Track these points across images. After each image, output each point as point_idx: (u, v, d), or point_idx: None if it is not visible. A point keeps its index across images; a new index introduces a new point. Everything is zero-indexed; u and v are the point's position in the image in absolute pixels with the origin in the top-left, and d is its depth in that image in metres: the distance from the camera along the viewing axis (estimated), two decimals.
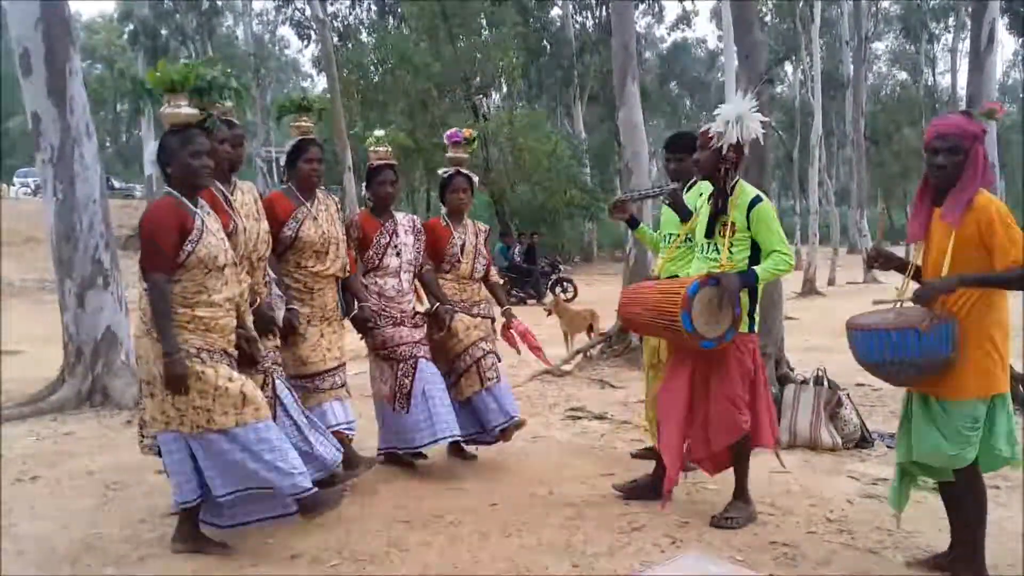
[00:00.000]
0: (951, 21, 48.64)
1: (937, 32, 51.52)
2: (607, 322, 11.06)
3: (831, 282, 24.42)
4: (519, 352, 6.27)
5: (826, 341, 10.74)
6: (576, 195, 31.09)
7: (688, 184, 5.46)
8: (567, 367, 9.88)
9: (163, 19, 40.27)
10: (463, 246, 5.87)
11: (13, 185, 41.67)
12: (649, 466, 5.29)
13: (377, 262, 5.52)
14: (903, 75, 57.59)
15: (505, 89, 37.96)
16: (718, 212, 4.56)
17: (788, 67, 49.43)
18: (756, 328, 4.64)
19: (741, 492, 4.70)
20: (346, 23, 39.38)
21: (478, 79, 30.32)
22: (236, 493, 4.06)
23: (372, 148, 5.65)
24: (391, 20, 36.69)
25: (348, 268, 5.30)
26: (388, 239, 5.54)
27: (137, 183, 44.99)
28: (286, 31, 47.28)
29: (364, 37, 35.58)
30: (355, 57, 29.72)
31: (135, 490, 5.26)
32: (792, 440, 6.19)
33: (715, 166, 4.52)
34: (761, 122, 4.57)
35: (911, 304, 3.69)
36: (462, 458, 6.00)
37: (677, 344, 4.72)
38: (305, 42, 41.45)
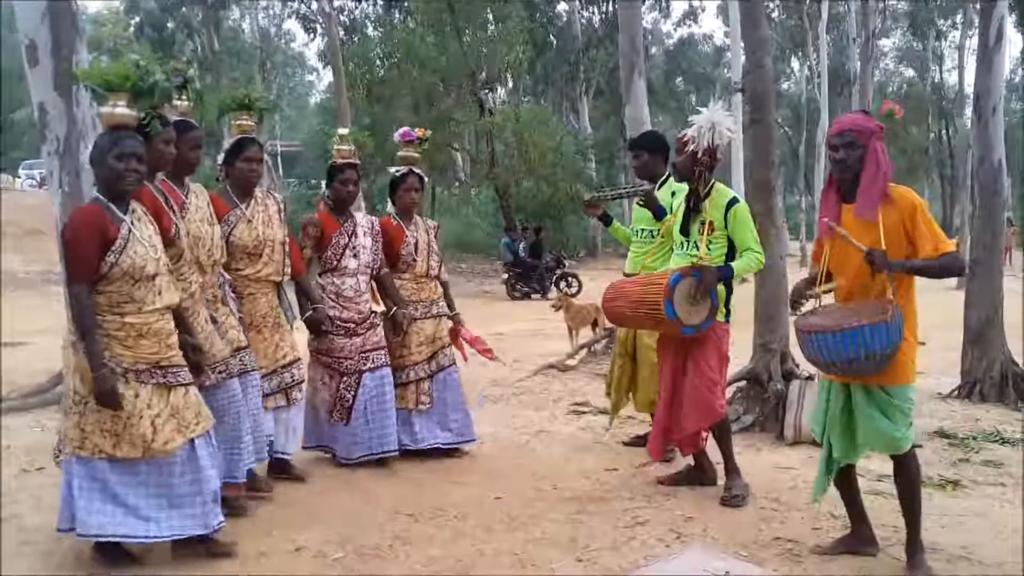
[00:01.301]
0: (959, 18, 48.30)
1: (945, 29, 51.25)
2: None
3: None
4: (466, 359, 6.18)
5: None
6: (581, 190, 31.03)
7: (660, 182, 5.84)
8: (571, 362, 9.88)
9: (169, 12, 40.28)
10: (416, 244, 5.81)
11: (19, 177, 41.72)
12: (641, 452, 5.71)
13: (335, 263, 5.45)
14: (910, 72, 57.32)
15: (511, 84, 37.90)
16: (691, 211, 4.97)
17: (795, 63, 49.38)
18: (731, 318, 5.05)
19: (732, 468, 5.05)
20: (352, 17, 39.30)
21: (484, 74, 30.21)
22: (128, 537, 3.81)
23: (336, 147, 5.57)
24: (397, 14, 36.59)
25: (289, 270, 5.14)
26: (347, 240, 5.47)
27: None
28: (292, 24, 47.14)
29: (370, 31, 35.54)
30: (361, 51, 29.63)
31: None
32: (796, 436, 6.19)
33: (691, 168, 4.91)
34: (730, 128, 4.93)
35: (831, 301, 4.02)
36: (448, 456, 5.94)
37: (661, 333, 5.16)
38: (311, 35, 41.30)
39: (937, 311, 15.05)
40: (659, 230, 5.60)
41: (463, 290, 22.46)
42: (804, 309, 4.07)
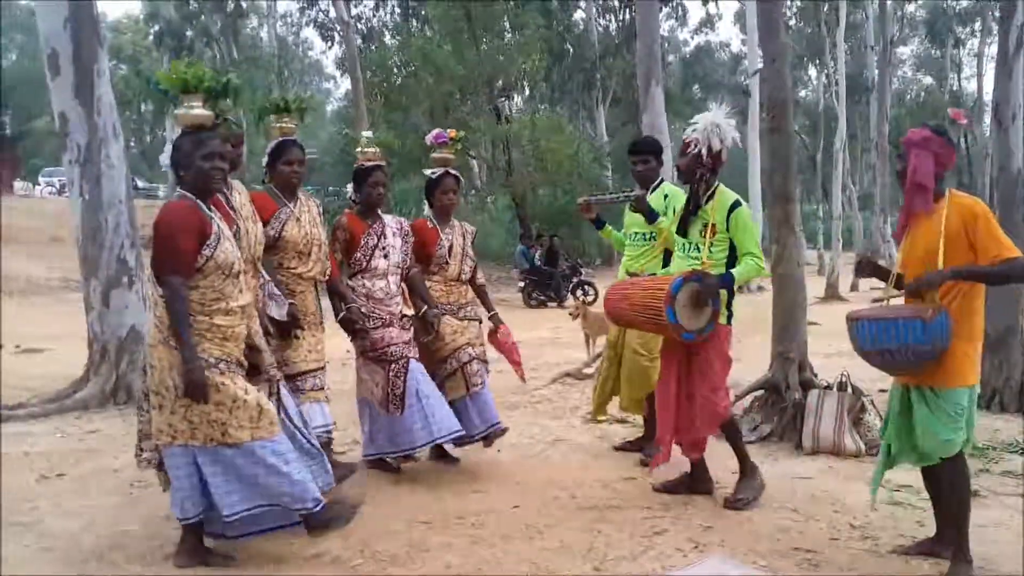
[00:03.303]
0: (977, 26, 48.26)
1: (963, 37, 51.12)
2: None
3: (853, 287, 24.27)
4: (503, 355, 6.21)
5: (849, 346, 10.65)
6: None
7: (652, 187, 5.91)
8: (588, 370, 9.85)
9: (189, 20, 40.54)
10: (451, 248, 5.83)
11: (38, 185, 42.06)
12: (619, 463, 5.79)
13: (365, 264, 5.43)
14: (928, 80, 57.20)
15: (528, 92, 37.98)
16: (691, 213, 5.01)
17: (812, 71, 49.23)
18: (732, 320, 5.05)
19: (745, 468, 5.07)
20: (370, 25, 39.53)
21: (501, 82, 30.32)
22: (249, 511, 3.94)
23: (362, 149, 5.60)
24: (415, 22, 36.79)
25: (329, 271, 5.23)
26: (376, 241, 5.46)
27: (161, 183, 45.32)
28: (310, 33, 47.54)
29: (388, 39, 35.69)
30: (378, 59, 29.77)
31: (159, 488, 5.26)
32: (815, 445, 6.17)
33: (694, 170, 4.97)
34: (733, 132, 5.02)
35: (900, 302, 4.09)
36: (444, 462, 5.91)
37: (663, 337, 5.17)
38: (329, 44, 41.68)
39: None
40: (652, 233, 5.72)
41: None
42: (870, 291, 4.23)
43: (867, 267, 4.30)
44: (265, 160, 5.18)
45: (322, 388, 5.20)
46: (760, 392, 6.94)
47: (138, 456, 4.23)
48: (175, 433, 3.84)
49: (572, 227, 30.48)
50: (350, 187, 5.67)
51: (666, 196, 5.78)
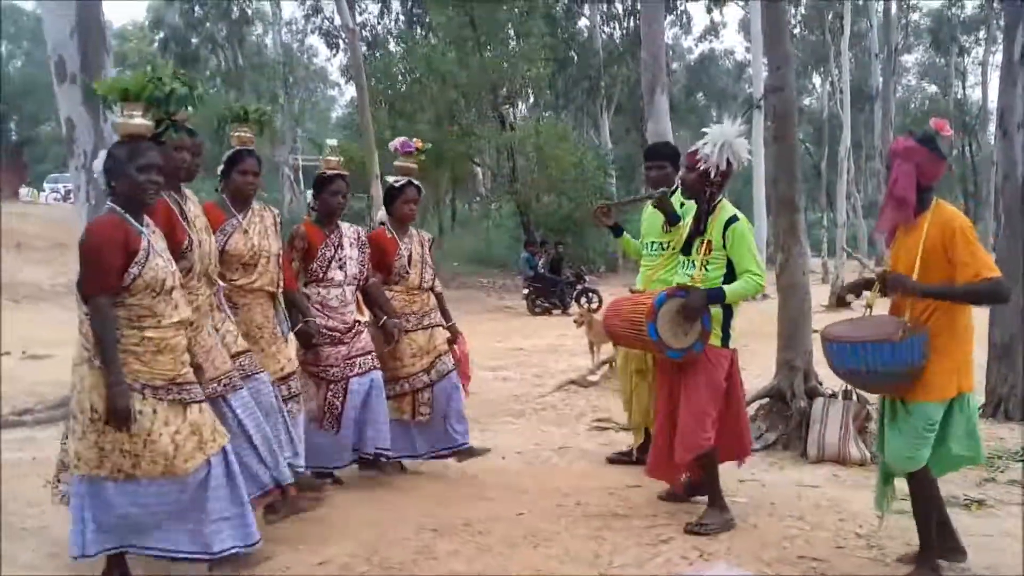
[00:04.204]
0: (982, 34, 48.23)
1: (967, 45, 51.11)
2: None
3: (841, 302, 24.32)
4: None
5: None
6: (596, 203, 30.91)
7: (672, 189, 5.59)
8: (593, 377, 9.86)
9: (194, 27, 40.64)
10: (410, 257, 5.79)
11: (44, 191, 42.12)
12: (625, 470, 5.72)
13: (321, 274, 5.40)
14: (933, 88, 57.16)
15: (532, 99, 38.01)
16: (698, 232, 4.77)
17: (817, 79, 49.23)
18: (731, 343, 4.76)
19: (715, 500, 4.80)
20: (375, 32, 39.58)
21: (505, 89, 30.34)
22: (148, 550, 3.76)
23: (325, 157, 5.53)
24: (419, 30, 36.82)
25: (281, 283, 5.07)
26: (333, 252, 5.42)
27: None
28: (315, 40, 47.49)
29: (392, 46, 35.72)
30: (383, 66, 29.83)
31: None
32: (820, 454, 6.17)
33: (701, 187, 4.72)
34: (747, 150, 4.79)
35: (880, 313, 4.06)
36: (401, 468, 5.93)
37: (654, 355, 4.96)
38: (334, 51, 41.68)
39: None
40: (669, 242, 5.46)
41: (483, 305, 22.50)
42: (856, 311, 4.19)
43: (848, 294, 4.28)
44: (220, 168, 5.01)
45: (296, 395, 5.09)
46: (765, 400, 6.93)
47: (54, 490, 4.08)
48: (79, 462, 3.65)
49: (576, 234, 30.48)
50: (309, 193, 5.62)
51: (682, 204, 5.44)
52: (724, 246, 4.62)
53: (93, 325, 3.58)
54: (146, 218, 3.79)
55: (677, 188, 5.50)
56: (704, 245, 4.68)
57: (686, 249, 4.86)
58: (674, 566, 4.19)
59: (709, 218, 4.71)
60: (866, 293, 4.29)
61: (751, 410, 7.08)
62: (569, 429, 7.43)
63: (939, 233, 3.79)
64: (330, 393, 5.35)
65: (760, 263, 4.70)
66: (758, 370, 8.03)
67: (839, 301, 4.60)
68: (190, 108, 4.17)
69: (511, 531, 4.66)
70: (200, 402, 3.84)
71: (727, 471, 5.31)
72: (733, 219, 4.63)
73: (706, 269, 4.66)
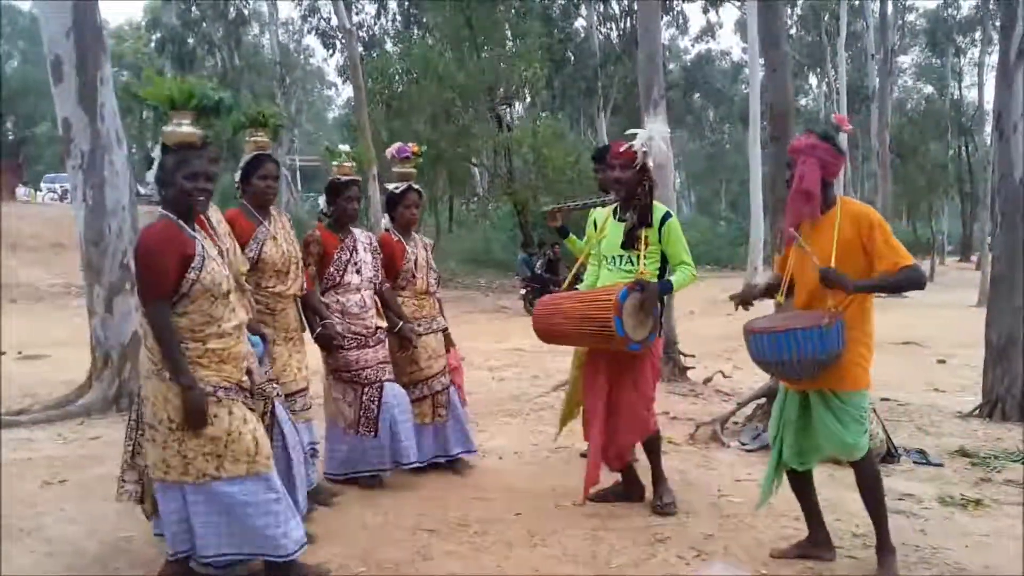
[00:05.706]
0: (978, 35, 48.33)
1: (964, 46, 51.16)
2: None
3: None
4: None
5: None
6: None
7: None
8: None
9: (190, 27, 40.58)
10: (416, 261, 5.83)
11: (40, 191, 42.12)
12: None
13: (338, 279, 5.42)
14: (929, 89, 57.16)
15: (529, 99, 38.00)
16: (639, 225, 4.91)
17: (813, 80, 49.29)
18: (661, 334, 5.06)
19: (661, 477, 5.13)
20: (371, 33, 39.60)
21: (502, 89, 30.34)
22: (222, 557, 3.73)
23: (338, 163, 5.53)
24: (416, 30, 36.83)
25: (305, 286, 5.14)
26: (348, 256, 5.45)
27: None
28: (312, 40, 47.55)
29: (389, 47, 35.74)
30: (380, 66, 29.80)
31: None
32: None
33: (639, 182, 4.91)
34: (665, 144, 5.03)
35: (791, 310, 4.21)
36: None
37: (595, 349, 5.06)
38: (330, 51, 41.76)
39: (959, 328, 14.98)
40: (638, 256, 5.13)
41: (481, 305, 22.52)
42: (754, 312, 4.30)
43: (749, 299, 4.35)
44: (238, 175, 4.98)
45: (310, 407, 5.15)
46: (762, 400, 6.94)
47: (120, 488, 4.13)
48: (168, 469, 3.66)
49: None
50: (322, 199, 5.64)
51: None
52: (660, 241, 4.89)
53: (155, 331, 3.58)
54: (196, 225, 3.79)
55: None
56: (642, 241, 4.88)
57: (627, 244, 4.95)
58: (671, 566, 4.19)
59: (650, 213, 4.91)
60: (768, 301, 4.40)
61: (749, 410, 7.10)
62: (567, 429, 7.41)
63: (853, 227, 3.92)
64: (366, 397, 5.36)
65: (690, 254, 4.97)
66: (756, 370, 8.02)
67: (743, 305, 4.60)
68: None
69: (508, 531, 4.66)
70: (253, 409, 3.88)
71: (727, 471, 5.32)
72: (667, 216, 4.92)
73: (646, 263, 4.89)
